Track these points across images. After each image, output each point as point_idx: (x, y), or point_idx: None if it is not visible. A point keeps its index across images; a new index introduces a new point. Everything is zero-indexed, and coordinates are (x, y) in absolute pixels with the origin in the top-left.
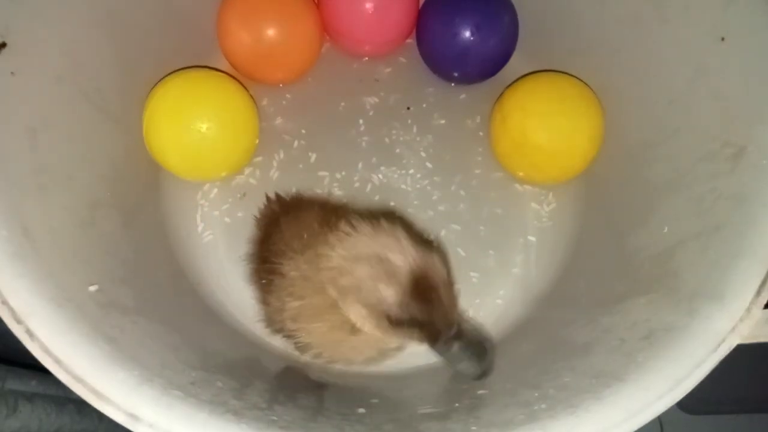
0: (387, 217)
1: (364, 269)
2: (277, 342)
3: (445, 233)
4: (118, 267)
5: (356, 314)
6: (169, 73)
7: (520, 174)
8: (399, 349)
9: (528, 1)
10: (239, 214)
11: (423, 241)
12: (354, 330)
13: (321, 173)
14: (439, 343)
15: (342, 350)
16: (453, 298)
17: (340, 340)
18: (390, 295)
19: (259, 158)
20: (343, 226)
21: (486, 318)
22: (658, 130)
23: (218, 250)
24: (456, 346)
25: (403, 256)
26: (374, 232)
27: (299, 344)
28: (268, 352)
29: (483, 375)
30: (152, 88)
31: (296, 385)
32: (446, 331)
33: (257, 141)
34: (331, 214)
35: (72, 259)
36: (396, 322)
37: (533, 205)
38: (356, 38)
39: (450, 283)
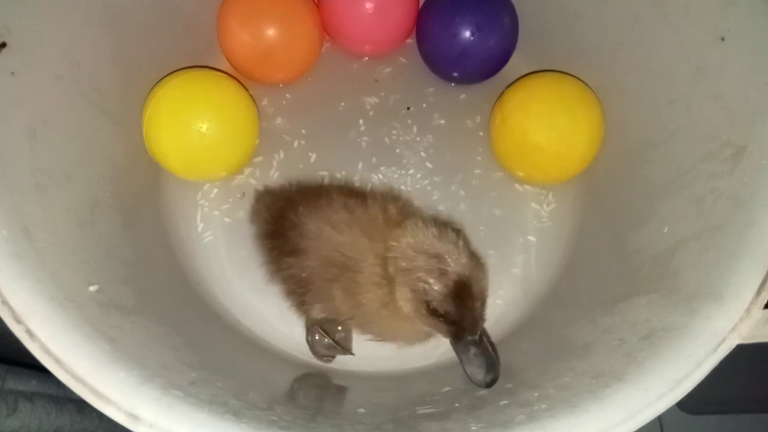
0: (454, 227)
1: (422, 261)
2: (278, 342)
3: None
4: (118, 267)
5: (402, 295)
6: (169, 73)
7: (520, 174)
8: (429, 335)
9: (528, 1)
10: (239, 214)
11: (476, 258)
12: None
13: (321, 173)
14: (459, 343)
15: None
16: (483, 310)
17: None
18: (435, 288)
19: (259, 158)
20: (416, 220)
21: (486, 318)
22: (658, 130)
23: (218, 250)
24: (473, 351)
25: (456, 263)
26: (440, 235)
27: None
28: (268, 351)
29: (487, 385)
30: (152, 88)
31: (316, 388)
32: (469, 335)
33: (257, 141)
34: (355, 199)
35: (72, 259)
36: (432, 312)
37: (533, 205)
38: (356, 38)
39: (484, 298)
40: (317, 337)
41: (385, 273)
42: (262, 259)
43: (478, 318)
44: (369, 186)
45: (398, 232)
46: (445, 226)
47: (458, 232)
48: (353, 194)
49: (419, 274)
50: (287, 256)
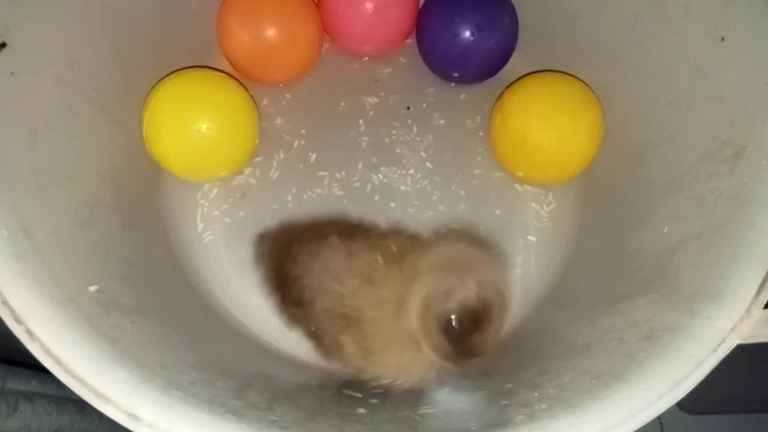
0: (493, 251)
1: (445, 276)
2: (278, 342)
3: (445, 233)
4: (118, 267)
5: (415, 304)
6: (169, 73)
7: (520, 174)
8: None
9: (528, 1)
10: (239, 214)
11: (500, 289)
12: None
13: (321, 173)
14: (458, 367)
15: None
16: (495, 341)
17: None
18: (451, 303)
19: (259, 158)
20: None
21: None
22: (658, 130)
23: (218, 250)
24: (462, 384)
25: (480, 285)
26: (471, 254)
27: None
28: (268, 351)
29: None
30: (152, 88)
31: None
32: (464, 366)
33: (257, 141)
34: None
35: (72, 259)
36: (443, 329)
37: (533, 205)
38: (356, 38)
39: (500, 327)
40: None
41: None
42: (273, 310)
43: (489, 343)
44: (368, 186)
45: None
46: (486, 249)
47: (499, 254)
48: (355, 234)
49: (446, 281)
50: (293, 308)
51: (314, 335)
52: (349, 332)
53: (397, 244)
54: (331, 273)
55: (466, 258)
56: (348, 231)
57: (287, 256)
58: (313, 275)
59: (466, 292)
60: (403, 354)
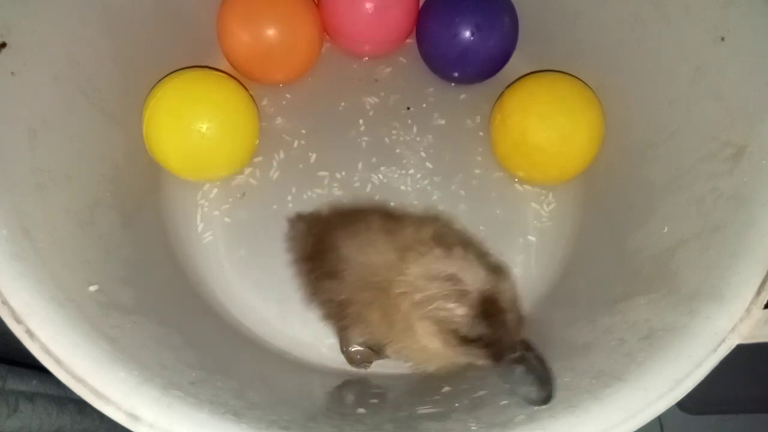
0: (461, 241)
1: (436, 288)
2: (278, 342)
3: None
4: (119, 267)
5: (425, 331)
6: (169, 73)
7: (520, 174)
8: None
9: (528, 1)
10: (239, 214)
11: (494, 267)
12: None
13: (321, 173)
14: (502, 365)
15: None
16: (518, 322)
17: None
18: (459, 313)
19: (259, 158)
20: (418, 247)
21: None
22: (658, 130)
23: (218, 250)
24: (518, 371)
25: (474, 278)
26: (447, 255)
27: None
28: (268, 351)
29: (544, 401)
30: (152, 88)
31: (356, 394)
32: (509, 353)
33: (257, 141)
34: (392, 224)
35: (72, 259)
36: (463, 340)
37: (533, 205)
38: (356, 38)
39: (516, 308)
40: (353, 349)
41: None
42: (298, 283)
43: (514, 332)
44: (368, 186)
45: (403, 265)
46: (449, 243)
47: (466, 244)
48: (392, 217)
49: (437, 302)
50: (325, 279)
51: (333, 315)
52: (378, 304)
53: (434, 229)
54: (367, 245)
55: (438, 267)
56: (388, 215)
57: (327, 232)
58: (350, 246)
59: (463, 303)
60: (429, 337)
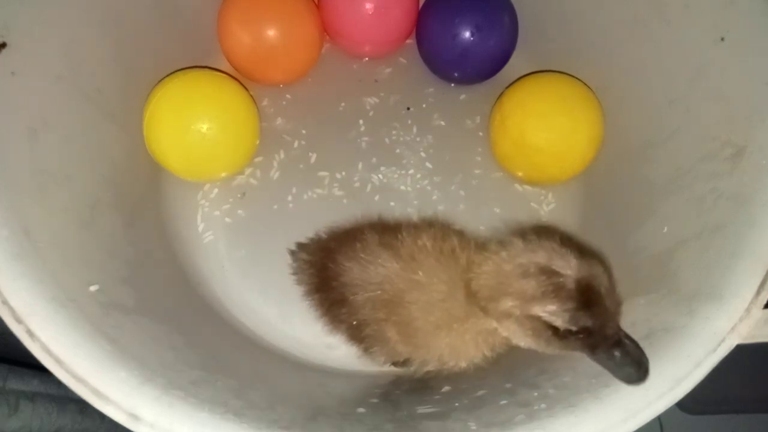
0: (540, 230)
1: (530, 286)
2: (278, 342)
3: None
4: (119, 267)
5: (517, 334)
6: (170, 74)
7: (520, 174)
8: (493, 349)
9: (528, 1)
10: (240, 214)
11: (583, 250)
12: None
13: (321, 173)
14: (599, 352)
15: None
16: (618, 306)
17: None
18: (561, 309)
19: (260, 158)
20: (493, 244)
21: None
22: (658, 130)
23: (219, 250)
24: (618, 354)
25: (568, 267)
26: (527, 246)
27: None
28: (268, 351)
29: (642, 380)
30: (152, 88)
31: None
32: (611, 339)
33: (257, 141)
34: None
35: (72, 259)
36: (565, 335)
37: (533, 205)
38: (356, 38)
39: (614, 291)
40: (386, 367)
41: (464, 301)
42: (317, 315)
43: (614, 318)
44: (368, 186)
45: (475, 269)
46: (526, 233)
47: (549, 231)
48: (386, 229)
49: (534, 303)
50: (335, 307)
51: (357, 329)
52: (394, 319)
53: (430, 236)
54: (371, 264)
55: (527, 260)
56: (384, 227)
57: (327, 257)
58: (352, 270)
59: (562, 297)
60: (452, 337)
